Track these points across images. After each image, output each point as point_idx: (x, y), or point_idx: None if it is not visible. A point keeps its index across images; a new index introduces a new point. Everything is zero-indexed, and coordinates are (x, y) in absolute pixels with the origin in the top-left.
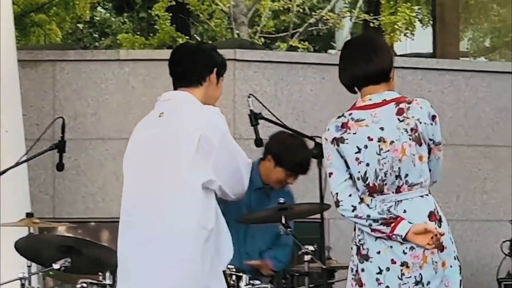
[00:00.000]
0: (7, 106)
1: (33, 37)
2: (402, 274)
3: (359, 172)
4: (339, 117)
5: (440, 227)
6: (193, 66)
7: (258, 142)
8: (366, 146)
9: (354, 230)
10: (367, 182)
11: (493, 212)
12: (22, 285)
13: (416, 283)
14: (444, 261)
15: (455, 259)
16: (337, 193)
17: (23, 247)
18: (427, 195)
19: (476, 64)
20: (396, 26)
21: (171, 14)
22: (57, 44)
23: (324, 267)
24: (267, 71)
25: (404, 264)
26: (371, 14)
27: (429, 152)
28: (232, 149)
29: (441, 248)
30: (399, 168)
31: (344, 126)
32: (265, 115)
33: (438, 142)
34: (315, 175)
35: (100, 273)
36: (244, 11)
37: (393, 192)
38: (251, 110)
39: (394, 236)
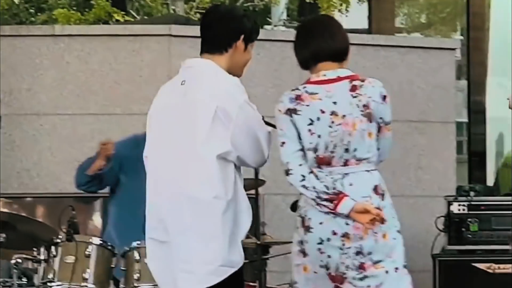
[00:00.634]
0: None
1: None
2: (343, 244)
3: (310, 143)
4: (293, 89)
5: (383, 200)
6: (219, 33)
7: None
8: (318, 118)
9: (297, 203)
10: (317, 153)
11: (428, 188)
12: None
13: (357, 253)
14: (385, 233)
15: (398, 232)
16: (287, 162)
17: None
18: (373, 170)
19: (412, 40)
20: (331, 2)
21: None
22: None
23: (258, 242)
24: None
25: (345, 235)
26: None
27: (379, 131)
28: (251, 120)
29: (381, 220)
30: (348, 141)
31: (298, 98)
32: None
33: (388, 122)
34: None
35: (34, 249)
36: None
37: (340, 165)
38: None
39: (337, 214)
